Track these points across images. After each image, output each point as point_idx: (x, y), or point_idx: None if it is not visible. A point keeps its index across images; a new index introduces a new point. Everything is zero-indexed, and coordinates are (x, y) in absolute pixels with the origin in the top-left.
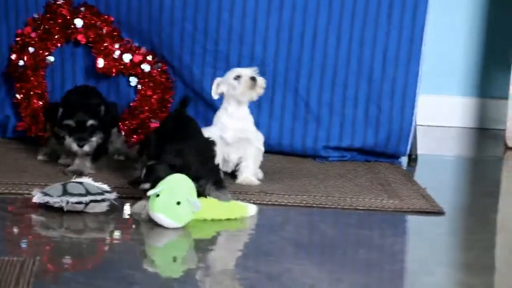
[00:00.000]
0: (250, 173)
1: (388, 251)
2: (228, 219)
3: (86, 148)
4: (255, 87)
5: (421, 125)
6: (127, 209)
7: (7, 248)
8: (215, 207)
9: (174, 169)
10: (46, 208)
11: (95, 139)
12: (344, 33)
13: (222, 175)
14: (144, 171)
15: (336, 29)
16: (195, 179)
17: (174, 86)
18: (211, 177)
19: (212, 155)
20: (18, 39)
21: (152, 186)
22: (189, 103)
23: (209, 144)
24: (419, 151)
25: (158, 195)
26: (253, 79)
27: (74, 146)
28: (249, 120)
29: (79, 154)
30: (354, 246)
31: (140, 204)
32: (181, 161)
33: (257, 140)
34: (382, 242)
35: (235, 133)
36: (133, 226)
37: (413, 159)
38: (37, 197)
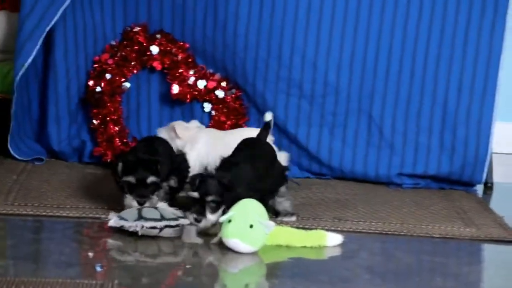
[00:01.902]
0: None
1: (464, 279)
2: (304, 246)
3: (147, 205)
4: None
5: (497, 153)
6: (200, 229)
7: (84, 271)
8: (290, 234)
9: (222, 186)
10: (121, 232)
11: (156, 197)
12: (418, 60)
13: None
14: (197, 181)
15: (410, 56)
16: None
17: (247, 112)
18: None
19: (273, 178)
20: (95, 65)
21: (201, 197)
22: (269, 128)
23: (273, 168)
24: (494, 179)
25: (230, 221)
26: None
27: (134, 204)
28: None
29: None
30: (429, 274)
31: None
32: (229, 179)
33: None
34: (458, 270)
35: None
36: (207, 251)
37: (488, 187)
38: (113, 221)
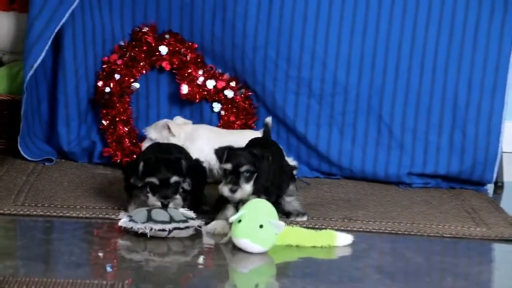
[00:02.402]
0: None
1: (475, 279)
2: (314, 246)
3: (171, 206)
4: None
5: (507, 152)
6: (209, 228)
7: (95, 271)
8: (300, 234)
9: (254, 157)
10: (131, 232)
11: (179, 197)
12: (427, 59)
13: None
14: (225, 154)
15: (420, 56)
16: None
17: (257, 112)
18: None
19: (284, 176)
20: (104, 66)
21: (234, 168)
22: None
23: (283, 165)
24: (505, 179)
25: (240, 221)
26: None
27: (158, 205)
28: None
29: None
30: (440, 274)
31: (214, 223)
32: (261, 151)
33: None
34: (468, 270)
35: None
36: (216, 251)
37: (499, 186)
38: (123, 222)
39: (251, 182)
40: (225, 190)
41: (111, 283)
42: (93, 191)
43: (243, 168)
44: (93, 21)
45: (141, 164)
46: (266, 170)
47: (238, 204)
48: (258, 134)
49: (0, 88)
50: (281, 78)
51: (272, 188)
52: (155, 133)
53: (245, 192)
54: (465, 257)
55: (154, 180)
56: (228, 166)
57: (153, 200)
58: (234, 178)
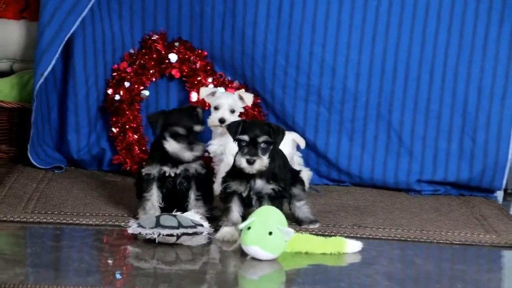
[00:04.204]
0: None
1: (485, 286)
2: (323, 253)
3: (197, 152)
4: (221, 126)
5: None
6: (218, 236)
7: (104, 278)
8: (310, 241)
9: (270, 128)
10: (140, 239)
11: (202, 146)
12: (437, 66)
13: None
14: (239, 127)
15: (429, 63)
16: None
17: (266, 119)
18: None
19: (288, 180)
20: (114, 74)
21: (251, 139)
22: None
23: (288, 170)
24: None
25: (249, 228)
26: (221, 121)
27: (185, 152)
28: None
29: (189, 160)
30: (449, 281)
31: (222, 231)
32: (276, 124)
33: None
34: (478, 277)
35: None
36: (225, 258)
37: (508, 193)
38: (132, 228)
39: (267, 154)
40: (242, 162)
41: None
42: (102, 199)
43: (261, 139)
44: (103, 29)
45: (162, 116)
46: (279, 143)
47: (245, 199)
48: None
49: (10, 96)
50: (290, 85)
51: (280, 176)
52: (228, 100)
53: (263, 163)
54: (474, 264)
55: (180, 129)
56: (245, 137)
57: (178, 148)
58: (251, 149)
